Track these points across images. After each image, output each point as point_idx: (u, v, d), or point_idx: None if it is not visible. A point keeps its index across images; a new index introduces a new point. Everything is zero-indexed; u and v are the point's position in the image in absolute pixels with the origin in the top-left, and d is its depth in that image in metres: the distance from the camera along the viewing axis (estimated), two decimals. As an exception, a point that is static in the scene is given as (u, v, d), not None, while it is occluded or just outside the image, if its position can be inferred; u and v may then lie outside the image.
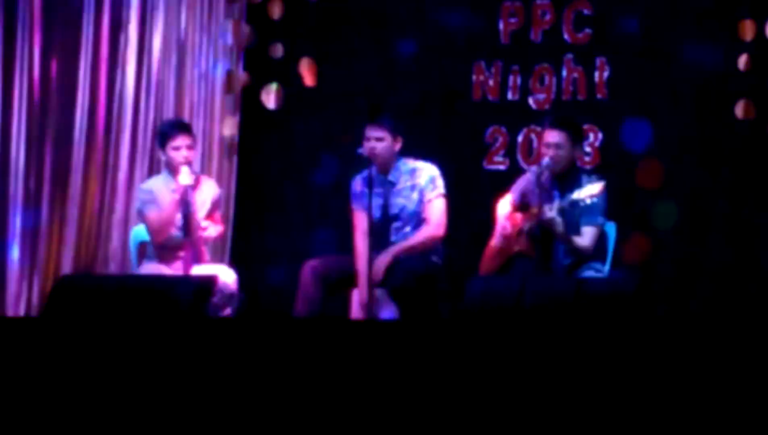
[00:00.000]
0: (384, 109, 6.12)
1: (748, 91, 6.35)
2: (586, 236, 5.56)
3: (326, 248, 6.76)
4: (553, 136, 5.62)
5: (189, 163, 6.03)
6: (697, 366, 3.36)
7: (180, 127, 6.18)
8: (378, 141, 5.88)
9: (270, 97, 7.18)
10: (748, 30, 6.32)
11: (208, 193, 6.23)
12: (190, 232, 6.01)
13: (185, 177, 5.96)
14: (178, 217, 6.01)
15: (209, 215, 6.20)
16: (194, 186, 6.05)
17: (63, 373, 3.78)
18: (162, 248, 6.08)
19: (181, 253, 6.04)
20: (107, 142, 7.05)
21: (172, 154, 6.03)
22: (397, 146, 5.93)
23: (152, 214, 6.04)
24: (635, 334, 3.54)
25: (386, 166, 5.94)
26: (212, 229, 6.19)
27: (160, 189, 6.09)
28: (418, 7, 7.06)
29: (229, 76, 7.22)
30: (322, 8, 7.16)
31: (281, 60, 7.19)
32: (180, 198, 5.98)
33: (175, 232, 6.03)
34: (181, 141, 6.03)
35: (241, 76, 7.23)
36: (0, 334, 3.96)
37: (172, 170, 6.05)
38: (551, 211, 5.39)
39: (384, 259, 5.76)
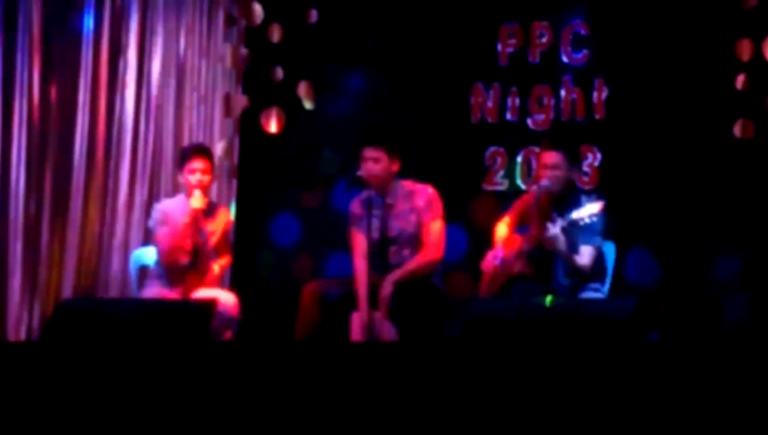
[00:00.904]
0: (381, 130, 6.09)
1: (746, 111, 6.36)
2: (584, 256, 5.55)
3: (326, 271, 6.76)
4: (550, 157, 5.61)
5: (203, 188, 6.02)
6: (693, 390, 3.36)
7: (198, 150, 6.17)
8: (375, 161, 5.82)
9: (270, 121, 7.20)
10: (745, 50, 6.34)
11: (221, 221, 6.22)
12: (198, 258, 6.01)
13: (197, 201, 5.97)
14: (188, 243, 6.01)
15: (219, 243, 6.19)
16: (206, 211, 6.05)
17: (64, 398, 3.77)
18: (168, 270, 6.07)
19: (185, 278, 6.03)
20: (107, 167, 7.06)
21: (188, 176, 6.04)
22: (395, 167, 5.88)
23: (162, 234, 6.05)
24: (633, 355, 3.54)
25: (384, 188, 5.91)
26: (217, 266, 6.20)
27: (174, 211, 6.08)
28: (416, 30, 7.08)
29: (228, 99, 7.24)
30: (321, 31, 7.19)
31: (281, 83, 7.21)
32: (191, 222, 5.98)
33: (183, 257, 6.02)
34: (196, 164, 6.04)
35: (241, 99, 7.25)
36: (0, 359, 3.96)
37: (188, 193, 6.06)
38: (554, 229, 5.38)
39: (387, 290, 5.73)
